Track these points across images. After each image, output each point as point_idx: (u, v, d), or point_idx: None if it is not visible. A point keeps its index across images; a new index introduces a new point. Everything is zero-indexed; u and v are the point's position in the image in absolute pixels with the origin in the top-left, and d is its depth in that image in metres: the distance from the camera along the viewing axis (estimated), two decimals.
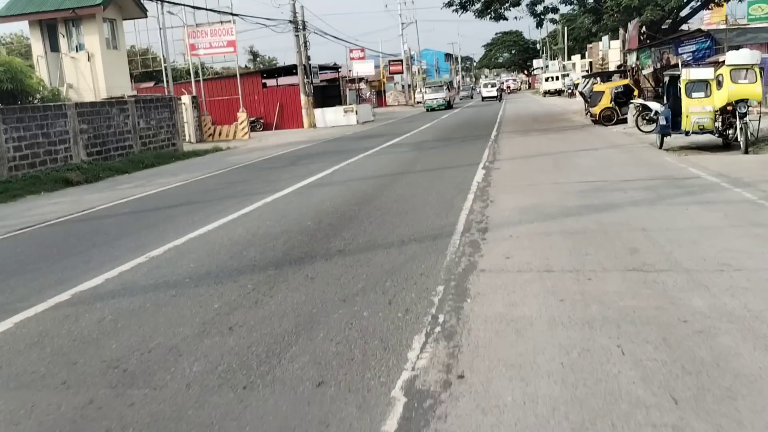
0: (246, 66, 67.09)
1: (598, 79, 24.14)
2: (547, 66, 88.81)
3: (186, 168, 19.23)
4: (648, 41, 24.06)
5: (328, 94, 50.64)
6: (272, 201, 10.94)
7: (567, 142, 17.07)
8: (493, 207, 8.70)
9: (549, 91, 63.59)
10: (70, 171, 17.19)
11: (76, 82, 24.91)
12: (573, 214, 7.87)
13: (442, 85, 50.75)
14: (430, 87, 51.28)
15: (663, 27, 25.85)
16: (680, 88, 13.25)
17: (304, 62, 40.34)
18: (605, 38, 64.40)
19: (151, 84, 36.55)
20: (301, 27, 40.25)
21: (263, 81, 48.99)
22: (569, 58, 77.58)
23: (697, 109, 12.89)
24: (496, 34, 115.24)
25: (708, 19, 42.07)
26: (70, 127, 18.43)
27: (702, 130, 12.99)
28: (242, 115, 33.73)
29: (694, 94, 12.96)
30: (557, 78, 64.33)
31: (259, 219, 9.27)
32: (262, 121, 40.76)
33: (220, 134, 34.15)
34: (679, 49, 20.93)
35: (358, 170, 14.64)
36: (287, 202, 10.74)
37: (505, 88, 76.00)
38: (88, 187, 16.10)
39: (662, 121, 13.77)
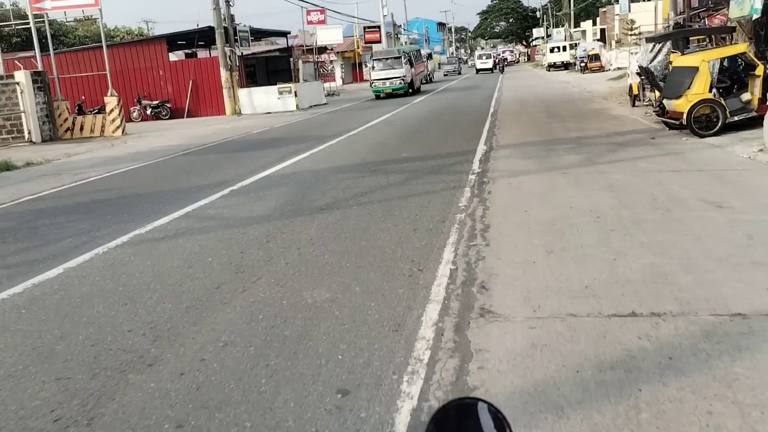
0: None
1: (668, 45, 13.19)
2: (549, 35, 77.44)
3: None
4: None
5: (276, 67, 39.52)
6: None
7: (694, 229, 6.14)
8: None
9: (554, 64, 52.50)
10: None
11: None
12: None
13: (399, 57, 31.50)
14: (378, 60, 32.11)
15: None
16: None
17: (226, 24, 29.17)
18: (623, 0, 53.32)
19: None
20: None
21: (190, 51, 37.89)
22: (577, 25, 66.10)
23: None
24: (492, 0, 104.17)
25: None
26: None
27: None
28: (112, 101, 22.61)
29: None
30: (564, 48, 53.10)
31: None
32: (169, 106, 29.64)
33: (82, 128, 23.12)
34: None
35: None
36: None
37: (503, 59, 64.60)
38: None
39: None
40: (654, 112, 13.92)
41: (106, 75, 23.13)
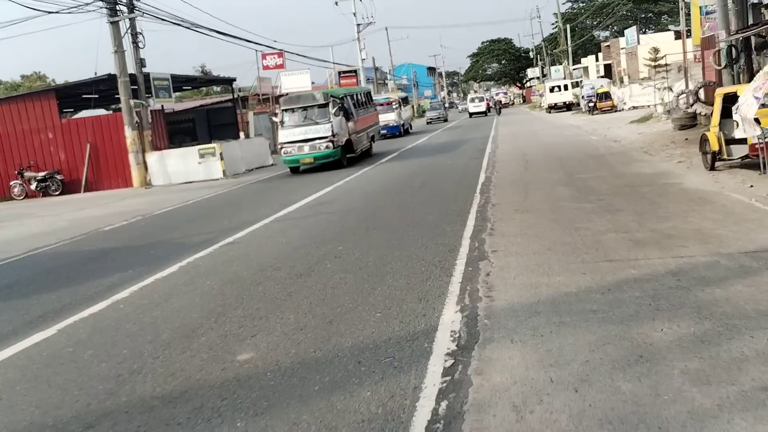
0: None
1: None
2: (545, 75, 71.29)
3: None
4: None
5: (220, 121, 32.65)
6: None
7: None
8: None
9: (555, 105, 45.76)
10: None
11: None
12: None
13: (324, 105, 19.24)
14: (289, 111, 19.64)
15: None
16: None
17: (134, 70, 22.27)
18: (630, 31, 47.03)
19: None
20: (127, 6, 22.12)
21: (116, 107, 30.99)
22: (576, 62, 59.81)
23: None
24: (483, 42, 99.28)
25: None
26: None
27: None
28: None
29: None
30: (566, 87, 46.46)
31: None
32: (60, 178, 22.49)
33: None
34: None
35: None
36: None
37: (497, 101, 58.46)
38: None
39: None
40: None
41: None
